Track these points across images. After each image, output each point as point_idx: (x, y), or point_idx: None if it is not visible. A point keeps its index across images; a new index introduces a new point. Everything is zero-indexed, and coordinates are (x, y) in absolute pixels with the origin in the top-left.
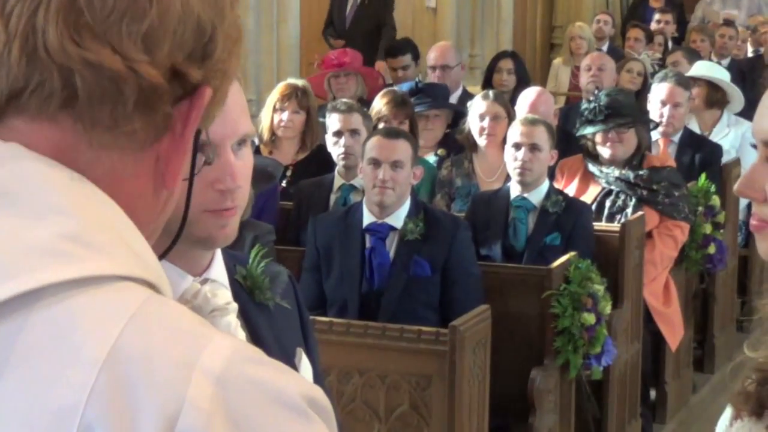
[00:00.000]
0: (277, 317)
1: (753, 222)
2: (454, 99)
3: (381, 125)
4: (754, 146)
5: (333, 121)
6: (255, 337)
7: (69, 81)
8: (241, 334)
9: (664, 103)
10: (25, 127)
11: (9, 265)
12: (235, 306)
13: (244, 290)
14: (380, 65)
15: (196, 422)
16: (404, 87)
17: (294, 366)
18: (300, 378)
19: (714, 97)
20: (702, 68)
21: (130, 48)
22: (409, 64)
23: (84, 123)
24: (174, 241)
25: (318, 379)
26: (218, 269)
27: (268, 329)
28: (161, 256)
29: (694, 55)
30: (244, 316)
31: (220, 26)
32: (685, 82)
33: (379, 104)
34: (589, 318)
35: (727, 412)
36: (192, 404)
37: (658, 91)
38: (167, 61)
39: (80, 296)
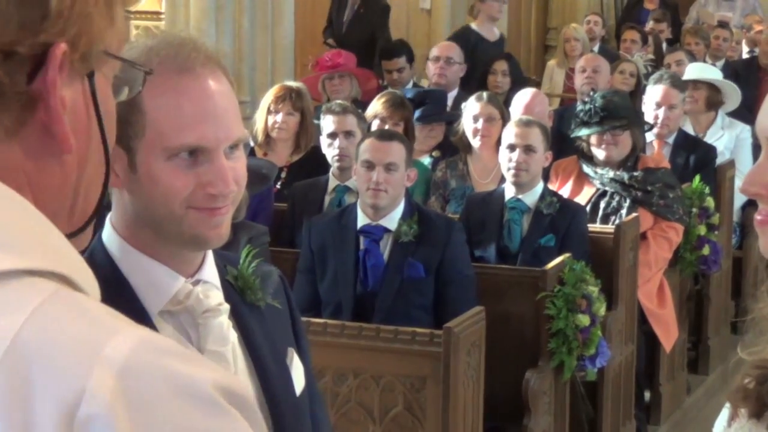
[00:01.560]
0: (269, 318)
1: (758, 217)
2: (450, 99)
3: (377, 123)
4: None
5: (327, 123)
6: (247, 337)
7: None
8: (233, 335)
9: (659, 105)
10: None
11: None
12: (227, 307)
13: (235, 291)
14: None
15: (97, 411)
16: (408, 94)
17: (286, 366)
18: (214, 368)
19: (715, 98)
20: (695, 70)
21: None
22: (404, 67)
23: None
24: (93, 214)
25: (310, 379)
26: (210, 270)
27: (259, 330)
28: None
29: (691, 56)
30: (236, 316)
31: None
32: (680, 84)
33: (377, 104)
34: (584, 319)
35: (724, 413)
36: (93, 394)
37: (653, 93)
38: None
39: None
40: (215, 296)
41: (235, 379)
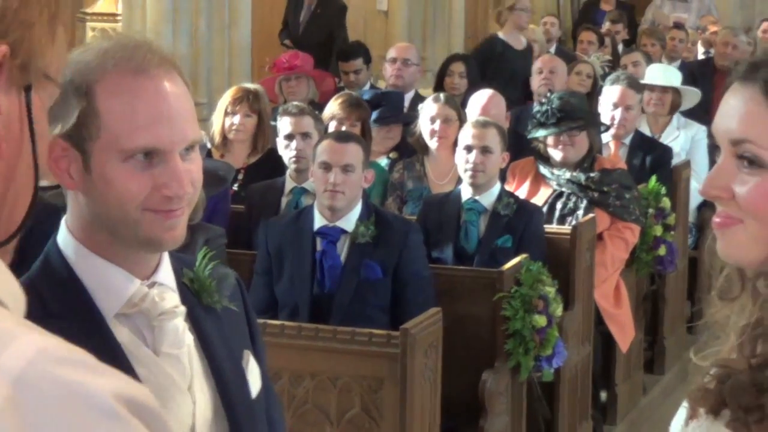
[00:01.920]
0: (225, 320)
1: (717, 220)
2: (407, 101)
3: (333, 124)
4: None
5: (284, 124)
6: (203, 340)
7: None
8: (189, 338)
9: (615, 106)
10: None
11: None
12: (182, 309)
13: (191, 293)
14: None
15: None
16: (365, 95)
17: (241, 368)
18: (118, 378)
19: (678, 101)
20: (658, 74)
21: None
22: (361, 68)
23: None
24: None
25: (266, 381)
26: (166, 272)
27: (215, 332)
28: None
29: (648, 57)
30: (192, 319)
31: None
32: (637, 85)
33: (333, 105)
34: (540, 320)
35: (682, 412)
36: None
37: (610, 94)
38: None
39: None
40: (171, 299)
41: (139, 389)
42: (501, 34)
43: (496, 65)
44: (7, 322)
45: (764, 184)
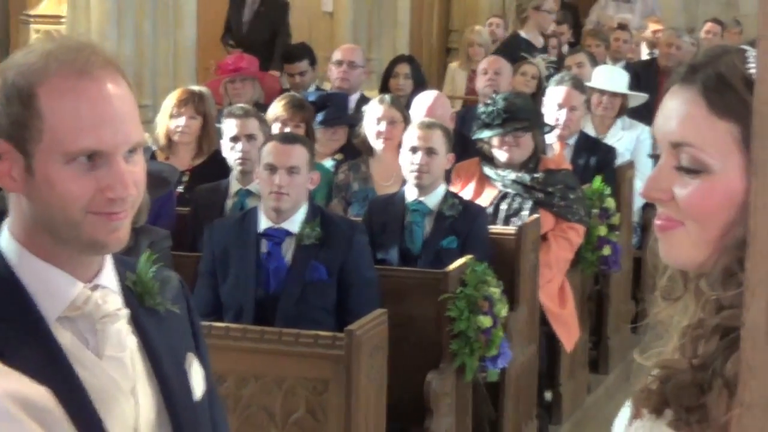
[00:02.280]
0: (168, 322)
1: (658, 222)
2: (352, 103)
3: (277, 125)
4: (654, 156)
5: (229, 126)
6: (146, 342)
7: None
8: (132, 340)
9: (560, 106)
10: None
11: None
12: (125, 312)
13: (134, 296)
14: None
15: None
16: (310, 97)
17: (185, 371)
18: (13, 379)
19: (626, 103)
20: (604, 75)
21: None
22: (306, 70)
23: None
24: None
25: (209, 383)
26: (108, 275)
27: (158, 335)
28: None
29: (592, 58)
30: (135, 322)
31: None
32: (581, 86)
33: (277, 107)
34: (485, 321)
35: (625, 412)
36: None
37: (555, 94)
38: None
39: None
40: (113, 301)
41: (34, 390)
42: (523, 33)
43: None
44: None
45: (704, 187)
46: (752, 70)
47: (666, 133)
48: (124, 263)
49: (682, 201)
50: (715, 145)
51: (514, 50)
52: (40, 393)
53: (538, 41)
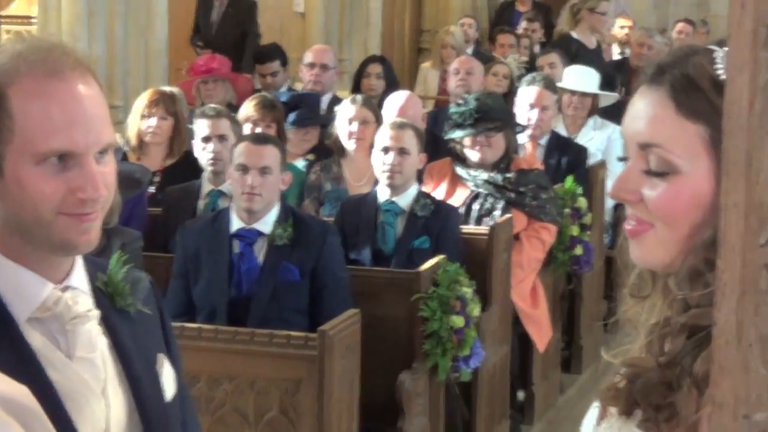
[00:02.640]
0: (139, 323)
1: (628, 226)
2: (324, 103)
3: (249, 126)
4: (622, 159)
5: (201, 127)
6: (117, 343)
7: None
8: (103, 341)
9: (532, 107)
10: None
11: None
12: (96, 313)
13: (105, 297)
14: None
15: None
16: (282, 98)
17: (156, 372)
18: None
19: (597, 102)
20: (574, 76)
21: None
22: (277, 71)
23: None
24: None
25: (180, 384)
26: (79, 276)
27: (129, 336)
28: None
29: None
30: (106, 323)
31: None
32: (553, 86)
33: (248, 107)
34: (458, 321)
35: (593, 411)
36: None
37: (526, 95)
38: None
39: None
40: (84, 302)
41: (19, 390)
42: (575, 34)
43: (569, 63)
44: None
45: (673, 189)
46: (720, 72)
47: (634, 134)
48: (95, 264)
49: (651, 203)
50: (684, 146)
51: (565, 50)
52: (22, 392)
53: (591, 42)
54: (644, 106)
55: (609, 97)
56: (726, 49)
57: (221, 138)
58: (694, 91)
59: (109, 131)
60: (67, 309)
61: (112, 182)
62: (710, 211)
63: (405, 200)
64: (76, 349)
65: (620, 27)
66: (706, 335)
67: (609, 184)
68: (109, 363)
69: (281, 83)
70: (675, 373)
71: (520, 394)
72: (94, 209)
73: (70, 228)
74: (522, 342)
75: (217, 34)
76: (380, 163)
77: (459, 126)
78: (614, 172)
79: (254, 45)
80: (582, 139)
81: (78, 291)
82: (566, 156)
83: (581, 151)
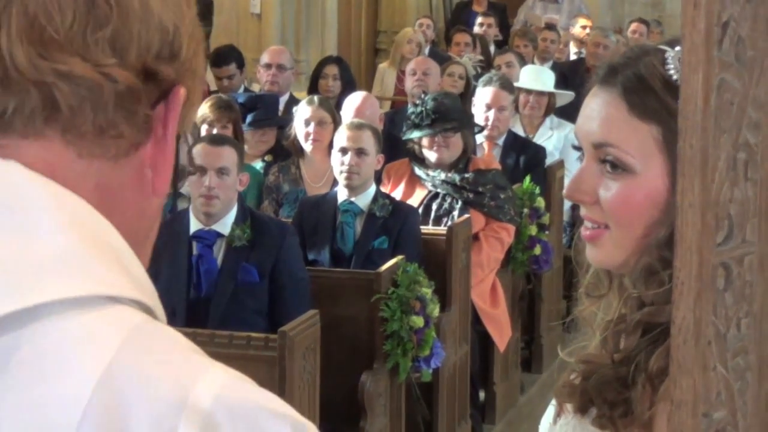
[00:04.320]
0: None
1: (586, 232)
2: (281, 104)
3: (205, 127)
4: (577, 148)
5: None
6: None
7: (47, 95)
8: None
9: (489, 107)
10: (15, 146)
11: (3, 283)
12: None
13: None
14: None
15: None
16: (239, 99)
17: None
18: (289, 408)
19: (553, 102)
20: (530, 75)
21: (98, 54)
22: (234, 74)
23: (71, 134)
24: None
25: None
26: None
27: None
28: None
29: (521, 58)
30: None
31: (182, 25)
32: (510, 86)
33: (204, 107)
34: (418, 321)
35: (550, 410)
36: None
37: (483, 95)
38: (137, 63)
39: (74, 316)
40: None
41: (308, 422)
42: None
43: None
44: (190, 350)
45: (626, 190)
46: (671, 72)
47: (587, 134)
48: None
49: (606, 203)
50: (637, 146)
51: None
52: (308, 422)
53: None
54: (597, 107)
55: (565, 96)
56: (678, 48)
57: (177, 140)
58: (646, 92)
59: None
60: None
61: None
62: (665, 210)
63: (364, 200)
64: None
65: (581, 27)
66: (660, 332)
67: (567, 184)
68: None
69: (238, 86)
70: (630, 370)
71: (481, 394)
72: None
73: None
74: (482, 342)
75: None
76: (338, 163)
77: (416, 126)
78: (572, 171)
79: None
80: (539, 138)
81: None
82: (524, 156)
83: (539, 151)
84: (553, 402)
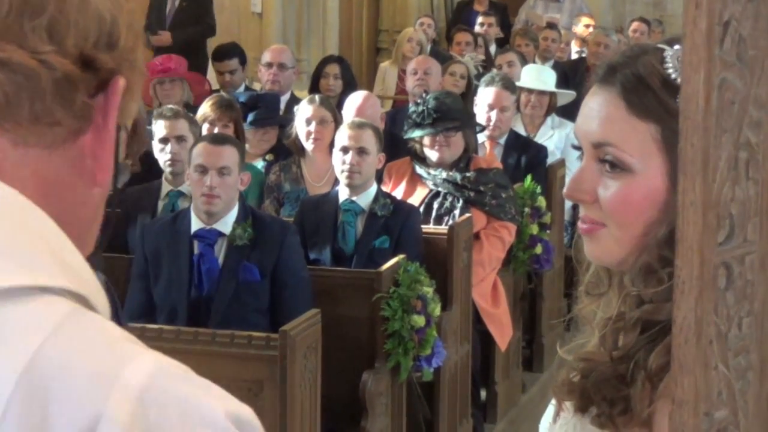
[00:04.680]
0: None
1: (583, 226)
2: (282, 103)
3: (206, 126)
4: (577, 148)
5: (159, 128)
6: None
7: None
8: None
9: (491, 107)
10: None
11: None
12: None
13: None
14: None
15: None
16: (240, 98)
17: None
18: (226, 396)
19: (554, 102)
20: (531, 74)
21: (35, 42)
22: (236, 68)
23: (7, 122)
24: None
25: None
26: None
27: None
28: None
29: (522, 58)
30: None
31: (120, 16)
32: (512, 86)
33: (205, 106)
34: (419, 320)
35: (550, 409)
36: (109, 419)
37: (485, 95)
38: (75, 50)
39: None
40: None
41: (245, 408)
42: None
43: None
44: (121, 338)
45: (625, 189)
46: (670, 71)
47: (587, 134)
48: None
49: (605, 203)
50: (636, 145)
51: None
52: (248, 411)
53: None
54: (596, 106)
55: (566, 96)
56: (677, 47)
57: (179, 139)
58: (645, 91)
59: None
60: None
61: None
62: (664, 209)
63: (365, 200)
64: None
65: (584, 25)
66: (659, 330)
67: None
68: None
69: (239, 82)
70: (629, 367)
71: (482, 393)
72: None
73: None
74: (483, 341)
75: (170, 28)
76: (340, 162)
77: (418, 125)
78: (573, 170)
79: (202, 33)
80: (541, 138)
81: None
82: (525, 155)
83: (540, 150)
84: (553, 401)
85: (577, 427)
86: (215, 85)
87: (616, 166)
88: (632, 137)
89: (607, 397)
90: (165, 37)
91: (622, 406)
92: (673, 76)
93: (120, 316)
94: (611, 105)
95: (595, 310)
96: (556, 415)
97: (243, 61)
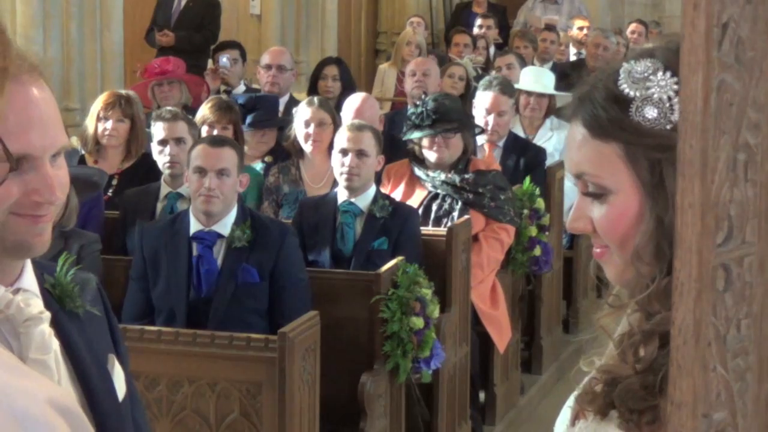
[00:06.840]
0: (88, 325)
1: (596, 251)
2: (281, 105)
3: (205, 128)
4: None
5: (158, 130)
6: (67, 345)
7: None
8: (55, 343)
9: (488, 112)
10: None
11: None
12: (48, 315)
13: (54, 299)
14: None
15: None
16: (239, 100)
17: (107, 372)
18: (44, 382)
19: (553, 103)
20: (530, 77)
21: None
22: (237, 58)
23: None
24: None
25: (130, 384)
26: (29, 278)
27: (79, 337)
28: None
29: (521, 59)
30: (56, 324)
31: None
32: (509, 90)
33: (204, 108)
34: (418, 322)
35: (566, 412)
36: None
37: (483, 100)
38: None
39: None
40: (36, 304)
41: (64, 393)
42: None
43: None
44: None
45: (610, 211)
46: (623, 86)
47: (569, 167)
48: (41, 266)
49: (598, 228)
50: (606, 167)
51: None
52: (66, 396)
53: None
54: (570, 140)
55: (565, 98)
56: (643, 62)
57: (178, 141)
58: (601, 113)
59: (62, 134)
60: (20, 311)
61: (66, 184)
62: (637, 221)
63: (364, 201)
64: (29, 350)
65: (578, 28)
66: None
67: (567, 185)
68: (62, 364)
69: (239, 73)
70: (657, 379)
71: (481, 395)
72: (49, 211)
73: (24, 229)
74: (482, 343)
75: (175, 29)
76: (339, 164)
77: (417, 127)
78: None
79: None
80: (539, 139)
81: (29, 293)
82: (524, 157)
83: (539, 152)
84: (569, 404)
85: (598, 430)
86: (213, 85)
87: (598, 193)
88: (601, 161)
89: (634, 408)
90: (168, 38)
91: (652, 415)
92: (626, 90)
93: (110, 314)
94: (579, 135)
95: (613, 325)
96: (575, 418)
97: (243, 55)
